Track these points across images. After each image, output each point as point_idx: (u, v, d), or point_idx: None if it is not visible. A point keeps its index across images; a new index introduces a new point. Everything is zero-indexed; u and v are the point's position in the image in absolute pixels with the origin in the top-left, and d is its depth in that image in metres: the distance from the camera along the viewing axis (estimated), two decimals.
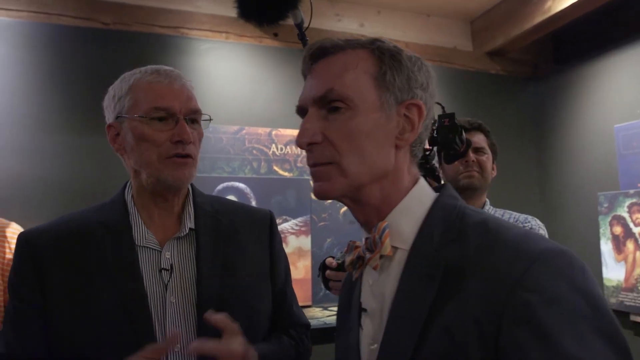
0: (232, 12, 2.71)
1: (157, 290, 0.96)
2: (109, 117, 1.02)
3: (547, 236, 1.55)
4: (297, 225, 2.65)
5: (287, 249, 2.60)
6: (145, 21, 2.55)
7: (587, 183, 2.87)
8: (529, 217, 1.62)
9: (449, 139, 1.38)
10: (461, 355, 0.57)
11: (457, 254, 0.63)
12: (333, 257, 1.40)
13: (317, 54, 0.71)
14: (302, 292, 2.50)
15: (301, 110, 0.72)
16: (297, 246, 2.62)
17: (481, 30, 3.26)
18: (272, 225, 1.14)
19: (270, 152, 2.68)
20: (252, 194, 2.59)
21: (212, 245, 1.03)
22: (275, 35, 2.81)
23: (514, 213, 1.65)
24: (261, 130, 2.67)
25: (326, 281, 1.40)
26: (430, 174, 1.51)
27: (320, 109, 0.69)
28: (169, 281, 0.97)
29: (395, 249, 0.68)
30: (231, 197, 2.55)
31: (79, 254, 0.95)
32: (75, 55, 2.38)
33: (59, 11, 2.40)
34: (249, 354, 0.88)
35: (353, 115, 0.67)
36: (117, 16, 2.50)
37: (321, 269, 1.42)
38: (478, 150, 1.68)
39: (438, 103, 1.44)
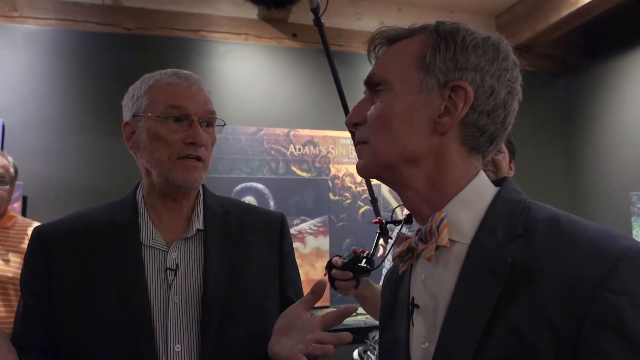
0: (251, 14, 2.75)
1: (161, 290, 0.97)
2: (126, 116, 1.04)
3: None
4: (315, 225, 2.65)
5: (305, 249, 2.61)
6: (166, 25, 2.61)
7: (619, 182, 2.74)
8: None
9: None
10: (531, 358, 0.54)
11: (524, 251, 0.59)
12: (340, 256, 1.39)
13: (380, 42, 0.73)
14: None
15: None
16: (315, 246, 2.62)
17: (506, 25, 3.17)
18: (283, 229, 1.13)
19: (289, 152, 2.69)
20: (270, 195, 2.61)
21: (220, 247, 1.03)
22: (294, 35, 2.82)
23: None
24: (279, 131, 2.68)
25: (332, 280, 1.39)
26: None
27: (371, 93, 0.71)
28: (173, 281, 0.97)
29: (452, 242, 0.65)
30: (249, 198, 2.58)
31: (87, 251, 0.98)
32: (99, 61, 2.46)
33: (85, 18, 2.49)
34: None
35: (389, 98, 0.67)
36: (140, 21, 2.57)
37: (327, 268, 1.42)
38: None
39: None
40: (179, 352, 0.94)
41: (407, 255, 0.69)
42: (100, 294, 0.94)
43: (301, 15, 2.71)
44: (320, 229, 2.65)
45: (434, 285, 0.66)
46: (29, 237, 1.02)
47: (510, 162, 1.65)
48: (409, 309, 0.70)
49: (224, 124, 1.07)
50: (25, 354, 0.93)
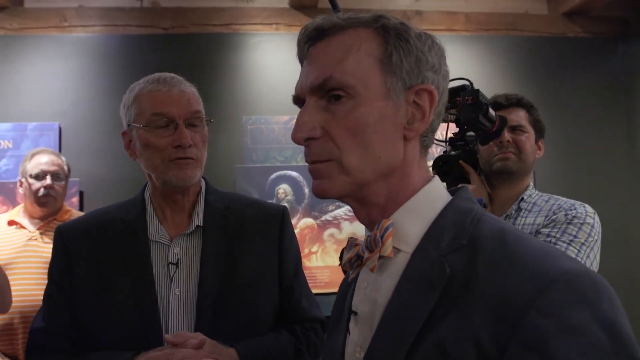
0: (282, 3, 2.76)
1: (164, 282, 1.05)
2: (124, 125, 1.13)
3: (597, 227, 1.35)
4: (350, 211, 2.66)
5: (341, 235, 2.64)
6: (200, 22, 2.71)
7: None
8: (577, 204, 1.40)
9: (471, 118, 1.26)
10: None
11: (465, 263, 0.56)
12: None
13: (313, 35, 0.64)
14: None
15: (298, 100, 0.65)
16: (351, 232, 2.64)
17: None
18: (284, 222, 1.17)
19: None
20: (304, 182, 2.66)
21: (218, 242, 1.08)
22: None
23: (561, 199, 1.44)
24: None
25: (345, 270, 1.41)
26: (468, 157, 1.42)
27: (320, 99, 0.62)
28: (174, 274, 1.06)
29: (397, 250, 0.62)
30: (284, 186, 2.64)
31: (102, 246, 1.06)
32: (141, 61, 2.61)
33: (125, 22, 2.65)
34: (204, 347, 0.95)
35: (356, 106, 0.60)
36: (175, 20, 2.69)
37: (340, 258, 1.44)
38: (515, 129, 1.46)
39: (466, 79, 1.33)
40: None
41: (357, 262, 0.66)
42: (113, 285, 1.03)
43: None
44: None
45: (374, 293, 0.64)
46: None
47: (537, 141, 1.53)
48: (348, 317, 0.69)
49: (211, 121, 1.11)
50: (52, 337, 1.05)
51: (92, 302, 1.04)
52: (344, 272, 1.38)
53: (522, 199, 1.46)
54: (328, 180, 0.62)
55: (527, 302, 0.50)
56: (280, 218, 1.16)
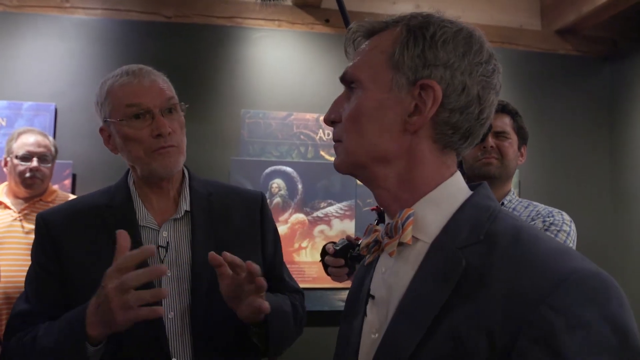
0: (285, 1, 2.79)
1: (155, 265, 1.07)
2: (100, 122, 1.13)
3: (573, 234, 1.40)
4: (341, 209, 2.71)
5: (331, 232, 2.68)
6: (204, 12, 2.72)
7: None
8: (554, 211, 1.44)
9: None
10: None
11: (480, 257, 0.59)
12: (334, 243, 1.42)
13: (357, 36, 0.72)
14: None
15: None
16: (341, 229, 2.69)
17: (552, 8, 3.01)
18: (263, 205, 1.24)
19: (317, 137, 2.75)
20: (298, 178, 2.69)
21: (206, 226, 1.13)
22: (327, 21, 2.84)
23: (539, 205, 1.49)
24: (309, 116, 2.75)
25: (326, 266, 1.43)
26: None
27: (347, 89, 0.71)
28: (164, 257, 1.08)
29: (416, 240, 0.65)
30: (279, 180, 2.67)
31: (89, 230, 1.07)
32: (141, 48, 2.61)
33: (128, 7, 2.64)
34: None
35: (360, 97, 0.66)
36: (179, 9, 2.69)
37: (322, 255, 1.45)
38: (499, 135, 1.49)
39: None
40: (172, 318, 1.05)
41: (374, 248, 0.70)
42: (104, 270, 1.02)
43: (334, 1, 2.72)
44: (347, 213, 2.71)
45: (392, 279, 0.68)
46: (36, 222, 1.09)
47: (520, 148, 1.57)
48: (365, 300, 0.72)
49: (187, 105, 1.14)
50: (37, 318, 1.03)
51: (87, 286, 1.02)
52: (325, 269, 1.42)
53: (503, 204, 1.49)
54: (337, 158, 0.71)
55: (539, 297, 0.52)
56: (260, 202, 1.23)
